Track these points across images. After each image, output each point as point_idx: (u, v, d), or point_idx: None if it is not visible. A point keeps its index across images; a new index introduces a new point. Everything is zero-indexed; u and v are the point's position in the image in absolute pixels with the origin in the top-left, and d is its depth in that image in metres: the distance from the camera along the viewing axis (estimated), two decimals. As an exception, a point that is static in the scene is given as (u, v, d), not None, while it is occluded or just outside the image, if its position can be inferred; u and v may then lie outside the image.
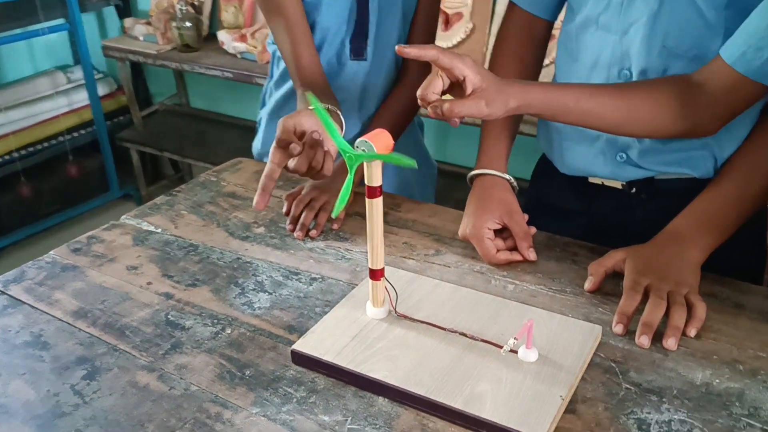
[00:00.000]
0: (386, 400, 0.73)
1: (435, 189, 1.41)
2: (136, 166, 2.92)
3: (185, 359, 0.80)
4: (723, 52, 0.81)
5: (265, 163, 1.11)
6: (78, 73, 2.87)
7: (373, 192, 0.77)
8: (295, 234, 1.04)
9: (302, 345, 0.79)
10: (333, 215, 0.87)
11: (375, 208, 0.78)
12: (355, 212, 1.09)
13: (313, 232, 1.04)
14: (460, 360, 0.76)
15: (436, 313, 0.83)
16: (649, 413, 0.71)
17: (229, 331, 0.85)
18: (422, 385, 0.72)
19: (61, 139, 2.84)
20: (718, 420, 0.70)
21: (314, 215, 1.05)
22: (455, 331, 0.80)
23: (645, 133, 0.89)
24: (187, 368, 0.79)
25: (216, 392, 0.75)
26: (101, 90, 2.93)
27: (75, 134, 2.89)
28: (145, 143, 2.84)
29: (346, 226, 1.07)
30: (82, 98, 2.87)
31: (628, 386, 0.74)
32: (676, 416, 0.70)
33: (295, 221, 1.06)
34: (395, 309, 0.83)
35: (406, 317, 0.82)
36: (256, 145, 1.34)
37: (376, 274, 0.81)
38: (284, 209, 1.09)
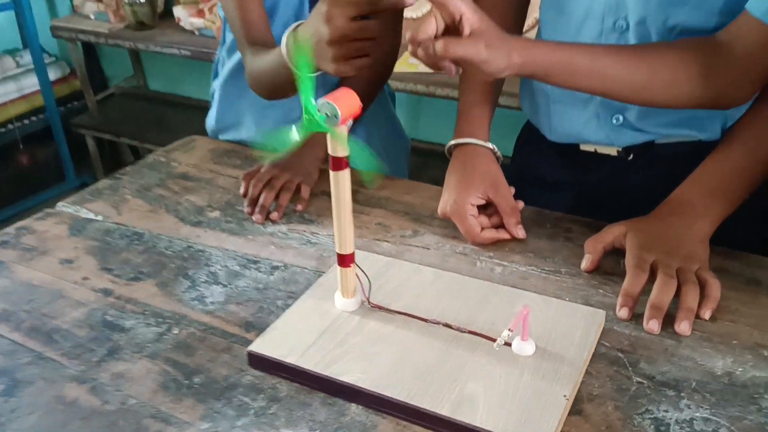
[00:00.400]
0: (360, 407, 0.62)
1: (408, 165, 1.30)
2: (92, 154, 2.76)
3: (123, 367, 0.68)
4: (750, 5, 0.71)
5: (220, 141, 0.99)
6: (27, 57, 2.70)
7: (339, 163, 0.65)
8: (254, 217, 0.92)
9: (261, 345, 0.68)
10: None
11: (341, 182, 0.66)
12: (322, 191, 0.97)
13: (274, 215, 0.92)
14: (445, 356, 0.65)
15: (415, 302, 0.72)
16: (666, 411, 0.61)
17: (177, 332, 0.73)
18: (402, 388, 0.62)
19: (10, 126, 2.67)
20: (747, 417, 0.60)
21: (275, 196, 0.94)
22: (438, 323, 0.69)
23: (666, 100, 0.77)
24: (125, 377, 0.67)
25: (158, 405, 0.63)
26: (52, 74, 2.75)
27: (26, 121, 2.72)
28: (101, 129, 2.68)
29: (312, 206, 0.95)
30: (32, 83, 2.70)
31: (639, 380, 0.64)
32: (698, 413, 0.60)
33: (253, 203, 0.94)
34: (368, 299, 0.72)
35: (381, 308, 0.71)
36: (210, 121, 1.22)
37: (344, 260, 0.70)
38: (241, 190, 0.97)
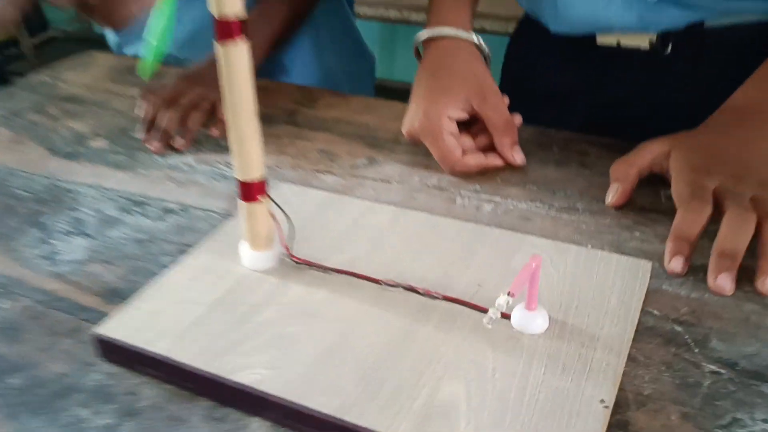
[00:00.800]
0: (267, 424, 0.38)
1: (374, 89, 1.04)
2: (31, 105, 2.47)
3: None
4: None
5: (125, 55, 0.75)
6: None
7: (227, 30, 0.40)
8: (149, 146, 0.67)
9: (116, 326, 0.43)
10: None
11: (234, 61, 0.41)
12: (248, 111, 0.72)
13: (179, 142, 0.67)
14: (407, 339, 0.41)
15: (365, 256, 0.48)
16: (766, 420, 0.37)
17: (6, 306, 0.48)
18: (335, 395, 0.37)
19: (-65, 75, 2.37)
20: None
21: (182, 117, 0.68)
22: (398, 285, 0.45)
23: None
24: None
25: (-64, 429, 0.39)
26: (-18, 15, 2.45)
27: (-46, 69, 2.42)
28: (39, 76, 2.39)
29: (233, 131, 0.70)
30: (-42, 26, 2.40)
31: (714, 368, 0.40)
32: (819, 425, 0.37)
33: (152, 127, 0.69)
34: (290, 252, 0.47)
35: (311, 265, 0.47)
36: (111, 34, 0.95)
37: (249, 191, 0.45)
38: (139, 111, 0.71)
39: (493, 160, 0.61)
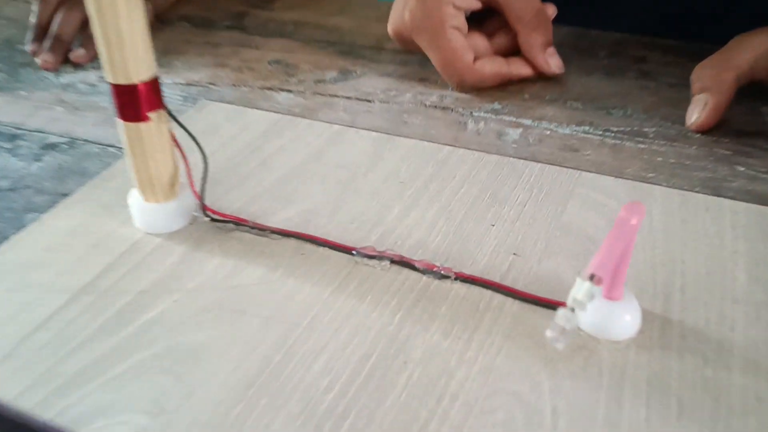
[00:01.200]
0: None
1: None
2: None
3: None
4: None
5: None
6: None
7: None
8: (38, 60, 0.48)
9: None
10: None
11: None
12: (180, 15, 0.54)
13: (77, 53, 0.48)
14: (399, 351, 0.23)
15: (331, 208, 0.30)
16: None
17: None
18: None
19: None
20: None
21: (84, 20, 0.50)
22: (383, 256, 0.27)
23: None
24: None
25: None
26: None
27: None
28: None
29: (158, 40, 0.51)
30: None
31: None
32: None
33: (42, 35, 0.50)
34: (204, 205, 0.29)
35: (241, 225, 0.29)
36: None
37: (132, 101, 0.27)
38: (34, 17, 0.52)
39: (518, 68, 0.43)
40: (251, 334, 0.24)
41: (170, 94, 0.44)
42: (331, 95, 0.43)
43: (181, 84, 0.45)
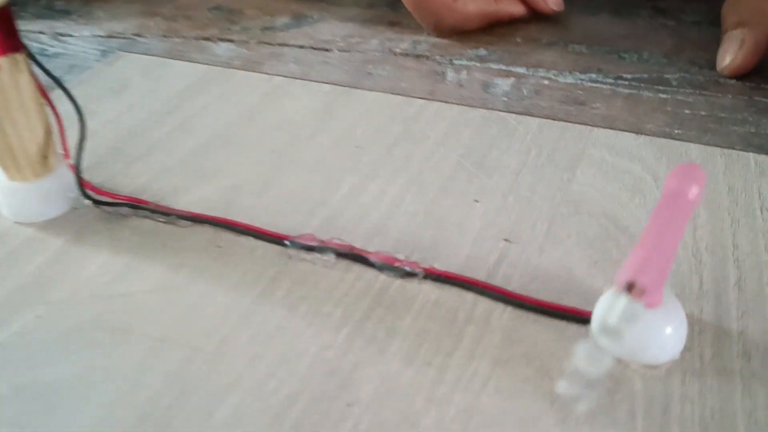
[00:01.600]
0: None
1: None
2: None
3: None
4: None
5: None
6: None
7: None
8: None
9: None
10: None
11: None
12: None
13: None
14: (346, 383, 0.16)
15: (260, 185, 0.23)
16: None
17: None
18: None
19: None
20: None
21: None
22: (326, 246, 0.20)
23: None
24: None
25: None
26: None
27: None
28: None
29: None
30: None
31: None
32: None
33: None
34: (81, 179, 0.22)
35: (138, 207, 0.22)
36: None
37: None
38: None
39: (508, 6, 0.35)
40: (134, 364, 0.17)
41: (85, 48, 0.36)
42: (280, 44, 0.35)
43: (100, 36, 0.37)
